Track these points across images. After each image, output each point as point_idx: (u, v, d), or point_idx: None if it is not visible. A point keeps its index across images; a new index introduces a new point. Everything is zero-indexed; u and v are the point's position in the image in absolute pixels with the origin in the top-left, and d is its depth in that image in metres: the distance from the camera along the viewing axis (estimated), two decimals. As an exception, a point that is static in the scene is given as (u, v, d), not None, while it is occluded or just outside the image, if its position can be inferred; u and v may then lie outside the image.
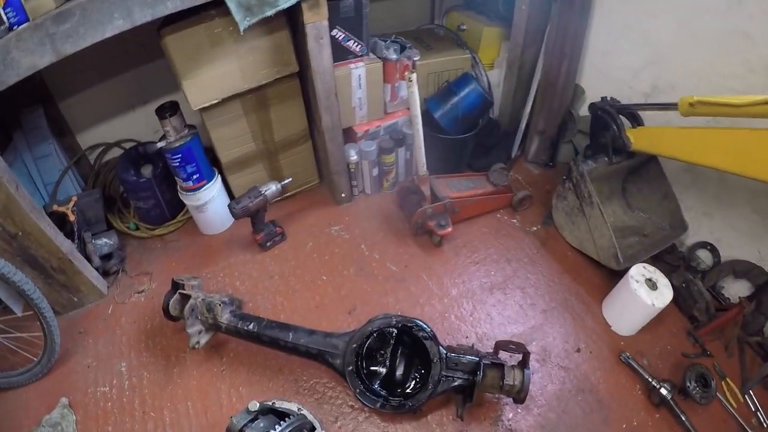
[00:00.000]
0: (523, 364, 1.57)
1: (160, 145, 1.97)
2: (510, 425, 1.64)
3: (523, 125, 2.44)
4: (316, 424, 1.43)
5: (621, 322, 1.88)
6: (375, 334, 1.64)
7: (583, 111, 2.37)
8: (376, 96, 2.23)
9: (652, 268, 1.84)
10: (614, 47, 2.17)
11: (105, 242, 2.07)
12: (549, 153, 2.50)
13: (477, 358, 1.57)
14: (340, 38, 2.05)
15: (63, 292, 1.89)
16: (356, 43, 2.09)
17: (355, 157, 2.25)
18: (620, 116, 1.96)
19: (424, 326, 1.61)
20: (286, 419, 1.30)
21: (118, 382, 1.74)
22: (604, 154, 2.03)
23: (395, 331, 1.66)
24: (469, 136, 2.28)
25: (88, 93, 2.30)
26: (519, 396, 1.54)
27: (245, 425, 1.24)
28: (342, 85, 2.08)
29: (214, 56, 1.82)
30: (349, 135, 2.29)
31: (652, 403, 1.71)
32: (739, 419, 1.69)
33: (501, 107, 2.56)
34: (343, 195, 2.33)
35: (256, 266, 2.13)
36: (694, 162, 1.72)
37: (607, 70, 2.23)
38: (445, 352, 1.59)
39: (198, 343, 1.69)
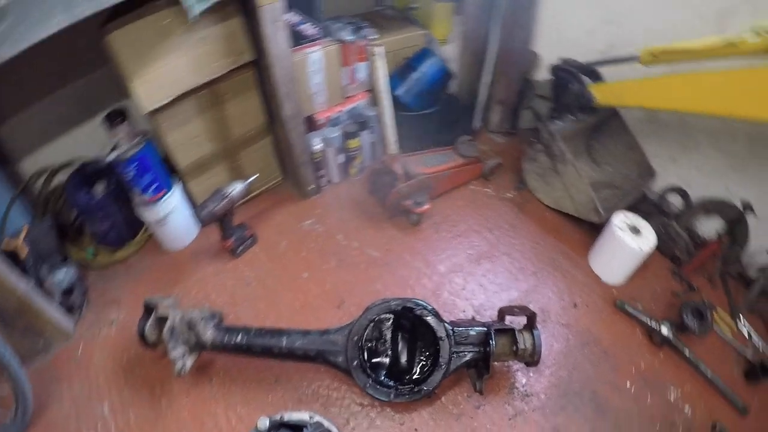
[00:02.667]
0: (531, 326, 1.43)
1: (111, 157, 1.66)
2: (525, 390, 1.51)
3: (482, 97, 2.31)
4: (333, 429, 1.22)
5: (610, 272, 1.79)
6: (373, 323, 1.46)
7: (540, 76, 2.27)
8: (335, 80, 2.03)
9: (632, 215, 1.75)
10: (567, 9, 2.07)
11: (64, 275, 1.72)
12: (511, 120, 2.39)
13: (485, 328, 1.42)
14: (296, 22, 1.83)
15: (26, 337, 1.55)
16: (312, 25, 1.88)
17: (320, 145, 2.03)
18: (581, 75, 1.87)
19: (425, 305, 1.44)
20: (304, 430, 1.08)
21: (104, 427, 1.43)
22: (569, 114, 1.94)
23: (392, 317, 1.48)
24: (434, 111, 2.12)
25: (27, 113, 1.90)
26: (532, 359, 1.40)
27: None
28: (299, 71, 1.86)
29: (163, 51, 1.57)
30: (310, 123, 2.07)
31: (654, 343, 1.64)
32: (736, 346, 1.65)
33: (459, 82, 2.41)
34: (310, 187, 2.11)
35: (230, 275, 1.87)
36: (659, 107, 1.67)
37: (561, 33, 2.13)
38: (450, 327, 1.43)
39: (184, 367, 1.42)
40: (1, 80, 1.82)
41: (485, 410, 1.46)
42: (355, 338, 1.40)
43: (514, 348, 1.39)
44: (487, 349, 1.38)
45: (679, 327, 1.62)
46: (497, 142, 2.40)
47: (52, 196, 2.07)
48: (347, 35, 1.96)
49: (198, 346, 1.45)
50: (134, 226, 1.97)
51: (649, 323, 1.63)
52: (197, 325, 1.43)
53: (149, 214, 1.84)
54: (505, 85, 2.26)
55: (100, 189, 1.85)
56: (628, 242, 1.66)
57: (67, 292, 1.74)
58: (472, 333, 1.43)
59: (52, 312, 1.61)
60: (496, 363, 1.53)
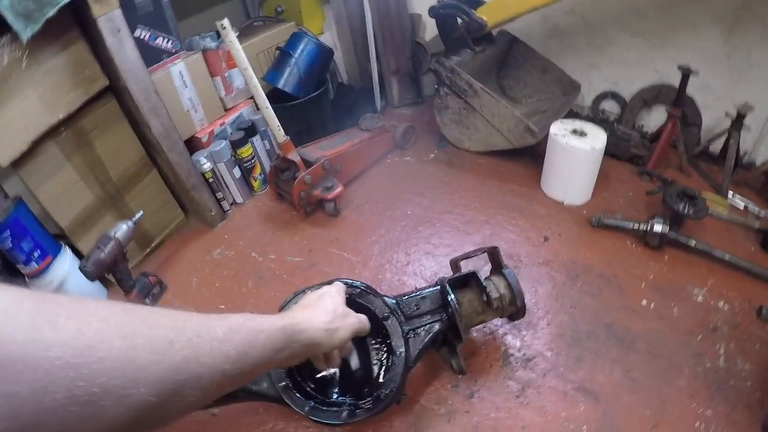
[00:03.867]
0: (497, 266, 1.05)
1: None
2: (524, 354, 1.10)
3: (375, 74, 2.05)
4: None
5: (570, 190, 1.46)
6: None
7: (428, 35, 2.06)
8: (208, 93, 1.72)
9: (569, 121, 1.47)
10: None
11: None
12: (413, 90, 2.14)
13: (439, 287, 1.03)
14: (147, 38, 1.56)
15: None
16: (166, 40, 1.61)
17: (208, 163, 1.67)
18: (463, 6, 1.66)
19: (350, 281, 1.03)
20: None
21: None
22: (465, 48, 1.70)
23: None
24: (322, 92, 1.83)
25: None
26: (515, 307, 1.01)
27: None
28: (166, 89, 1.55)
29: (6, 95, 1.26)
30: (194, 144, 1.73)
31: (653, 247, 1.30)
32: (739, 222, 1.34)
33: (347, 68, 2.17)
34: (212, 213, 1.72)
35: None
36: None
37: None
38: (393, 300, 1.03)
39: None
40: None
41: (482, 396, 1.04)
42: None
43: (485, 299, 1.00)
44: (450, 310, 0.98)
45: (673, 218, 1.29)
46: (406, 115, 2.12)
47: None
48: (209, 42, 1.70)
49: None
50: None
51: (638, 228, 1.29)
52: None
53: (41, 286, 1.44)
54: (393, 53, 2.02)
55: None
56: (576, 145, 1.36)
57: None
58: (423, 298, 1.03)
59: None
60: (473, 330, 1.13)
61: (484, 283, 1.01)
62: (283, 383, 0.94)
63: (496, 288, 1.01)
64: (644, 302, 1.17)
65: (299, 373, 0.99)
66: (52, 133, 1.40)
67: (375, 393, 0.94)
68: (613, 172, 1.54)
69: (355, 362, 1.04)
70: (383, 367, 1.02)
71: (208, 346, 0.44)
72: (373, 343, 1.05)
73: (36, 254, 1.42)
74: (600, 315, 1.15)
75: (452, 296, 0.97)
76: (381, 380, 0.99)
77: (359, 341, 1.06)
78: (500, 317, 1.05)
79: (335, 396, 0.98)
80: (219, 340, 0.45)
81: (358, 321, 0.81)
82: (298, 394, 0.93)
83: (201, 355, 0.43)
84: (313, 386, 0.98)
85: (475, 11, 1.63)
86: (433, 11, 1.72)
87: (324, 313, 0.74)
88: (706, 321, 1.11)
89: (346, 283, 1.02)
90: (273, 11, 2.14)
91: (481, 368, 1.08)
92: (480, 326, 1.12)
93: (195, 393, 0.42)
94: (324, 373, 1.02)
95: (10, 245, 1.37)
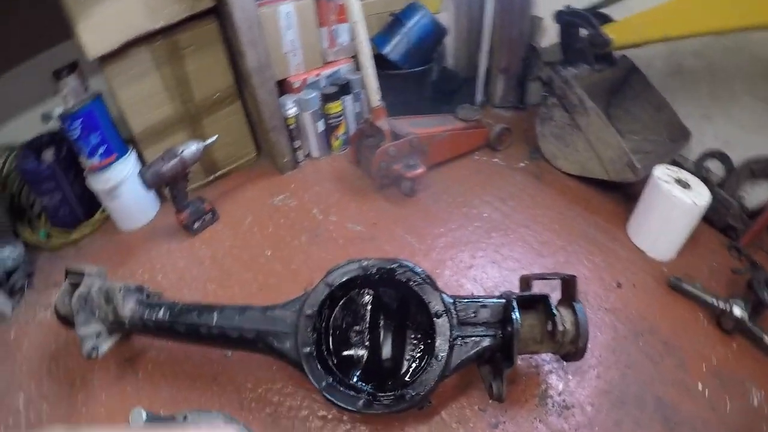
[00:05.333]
0: (570, 298, 0.97)
1: (57, 111, 1.33)
2: (564, 400, 1.02)
3: (483, 67, 1.93)
4: None
5: (657, 242, 1.34)
6: (341, 295, 0.99)
7: (546, 42, 1.91)
8: (311, 41, 1.66)
9: (675, 168, 1.33)
10: None
11: (9, 254, 1.38)
12: (517, 93, 2.00)
13: (504, 300, 0.95)
14: None
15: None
16: None
17: (293, 108, 1.64)
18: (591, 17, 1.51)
19: (413, 266, 0.96)
20: None
21: (15, 421, 1.05)
22: (583, 63, 1.56)
23: (371, 294, 1.02)
24: (427, 69, 1.74)
25: None
26: (575, 347, 0.93)
27: None
28: (270, 27, 1.51)
29: None
30: (285, 87, 1.69)
31: (725, 330, 1.16)
32: None
33: (455, 54, 2.05)
34: (285, 159, 1.69)
35: (184, 253, 1.43)
36: (690, 33, 1.29)
37: None
38: (451, 300, 0.96)
39: (96, 350, 0.99)
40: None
41: (506, 430, 0.97)
42: (309, 312, 0.91)
43: (549, 328, 0.92)
44: (509, 328, 0.89)
45: (755, 306, 1.16)
46: (504, 117, 1.98)
47: (11, 176, 1.68)
48: None
49: (117, 325, 1.00)
50: (89, 204, 1.59)
51: (715, 304, 1.17)
52: (115, 297, 0.98)
53: (98, 183, 1.46)
54: (506, 51, 1.88)
55: (48, 156, 1.49)
56: (677, 194, 1.23)
57: (10, 272, 1.39)
58: (484, 307, 0.95)
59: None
60: (519, 357, 1.06)
61: (554, 312, 0.94)
62: (308, 349, 0.89)
63: (563, 320, 0.94)
64: (701, 386, 1.05)
65: (326, 343, 0.96)
66: (147, 39, 1.40)
67: (400, 390, 0.88)
68: (703, 238, 1.40)
69: (387, 350, 1.00)
70: (415, 366, 0.97)
71: None
72: (413, 338, 1.01)
73: (101, 150, 1.43)
74: (654, 384, 1.05)
75: (517, 315, 0.89)
76: (409, 379, 0.95)
77: (398, 330, 1.01)
78: (554, 353, 0.98)
79: (355, 379, 0.94)
80: None
81: None
82: (319, 366, 0.89)
83: None
84: (335, 361, 0.95)
85: (602, 26, 1.48)
86: (559, 16, 1.58)
87: None
88: (755, 429, 1.00)
89: (404, 266, 0.96)
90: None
91: (515, 400, 1.01)
92: (528, 355, 1.06)
93: None
94: (351, 351, 0.99)
95: (78, 135, 1.38)
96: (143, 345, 1.15)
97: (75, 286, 1.03)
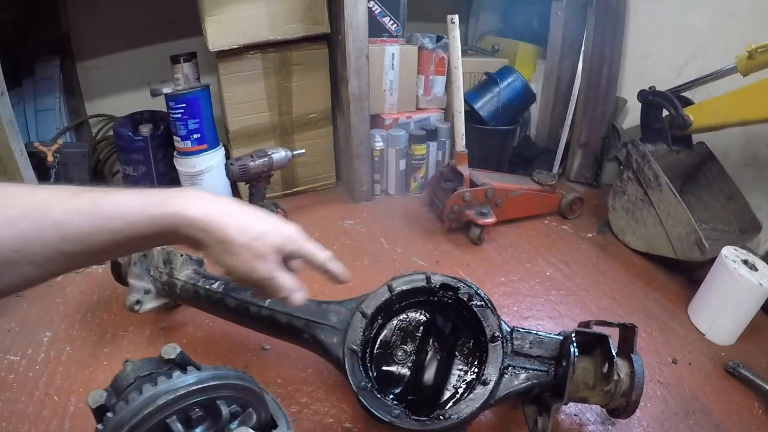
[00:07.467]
0: (627, 348, 0.84)
1: (165, 90, 1.46)
2: (604, 467, 0.86)
3: (563, 141, 1.91)
4: (280, 416, 0.62)
5: (718, 323, 1.18)
6: (398, 309, 0.93)
7: (627, 124, 1.87)
8: (408, 84, 1.76)
9: (743, 250, 1.19)
10: (654, 49, 1.75)
11: None
12: (593, 170, 1.94)
13: (561, 336, 0.86)
14: (377, 12, 1.64)
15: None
16: (392, 21, 1.69)
17: (381, 143, 1.70)
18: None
19: (476, 288, 0.89)
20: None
21: (33, 353, 1.05)
22: (662, 141, 1.51)
23: (426, 314, 0.95)
24: (512, 129, 1.75)
25: (108, 59, 1.87)
26: (628, 401, 0.79)
27: (145, 376, 0.50)
28: (375, 62, 1.62)
29: None
30: (376, 123, 1.77)
31: (781, 426, 0.95)
32: None
33: (538, 124, 2.06)
34: (362, 188, 1.73)
35: (247, 252, 1.45)
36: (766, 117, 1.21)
37: (648, 75, 1.74)
38: (509, 328, 0.88)
39: (140, 304, 1.00)
40: (98, 18, 1.77)
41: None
42: (365, 311, 0.86)
43: (604, 371, 0.80)
44: (564, 363, 0.80)
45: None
46: (577, 191, 1.92)
47: (102, 143, 1.89)
48: (427, 43, 1.74)
49: (168, 288, 1.01)
50: (167, 185, 1.68)
51: (776, 397, 0.98)
52: (176, 260, 1.00)
53: (184, 165, 1.56)
54: (588, 125, 1.86)
55: (145, 129, 1.63)
56: (744, 274, 1.09)
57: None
58: (540, 341, 0.86)
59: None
60: (566, 405, 0.93)
61: (613, 354, 0.81)
62: (354, 347, 0.83)
63: (618, 369, 0.81)
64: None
65: (371, 352, 0.89)
66: (262, 48, 1.52)
67: (437, 412, 0.78)
68: (765, 328, 1.22)
69: (430, 375, 0.91)
70: (456, 397, 0.87)
71: (35, 225, 0.40)
72: (459, 368, 0.91)
73: (195, 136, 1.51)
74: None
75: (575, 350, 0.79)
76: (451, 404, 0.84)
77: (445, 358, 0.93)
78: (603, 405, 0.84)
79: (391, 397, 0.85)
80: (54, 222, 0.41)
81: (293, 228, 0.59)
82: (361, 368, 0.82)
83: (26, 234, 0.40)
84: (375, 374, 0.87)
85: (683, 108, 1.44)
86: (642, 95, 1.56)
87: (242, 214, 0.53)
88: None
89: (468, 285, 0.89)
90: (490, 47, 2.16)
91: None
92: (572, 405, 0.92)
93: (29, 267, 0.41)
94: (393, 368, 0.91)
95: (179, 116, 1.47)
96: (183, 319, 1.15)
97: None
